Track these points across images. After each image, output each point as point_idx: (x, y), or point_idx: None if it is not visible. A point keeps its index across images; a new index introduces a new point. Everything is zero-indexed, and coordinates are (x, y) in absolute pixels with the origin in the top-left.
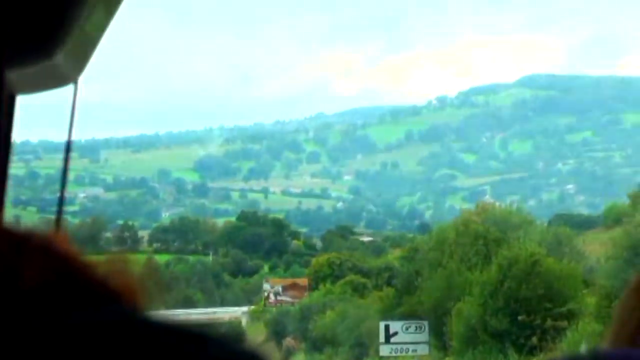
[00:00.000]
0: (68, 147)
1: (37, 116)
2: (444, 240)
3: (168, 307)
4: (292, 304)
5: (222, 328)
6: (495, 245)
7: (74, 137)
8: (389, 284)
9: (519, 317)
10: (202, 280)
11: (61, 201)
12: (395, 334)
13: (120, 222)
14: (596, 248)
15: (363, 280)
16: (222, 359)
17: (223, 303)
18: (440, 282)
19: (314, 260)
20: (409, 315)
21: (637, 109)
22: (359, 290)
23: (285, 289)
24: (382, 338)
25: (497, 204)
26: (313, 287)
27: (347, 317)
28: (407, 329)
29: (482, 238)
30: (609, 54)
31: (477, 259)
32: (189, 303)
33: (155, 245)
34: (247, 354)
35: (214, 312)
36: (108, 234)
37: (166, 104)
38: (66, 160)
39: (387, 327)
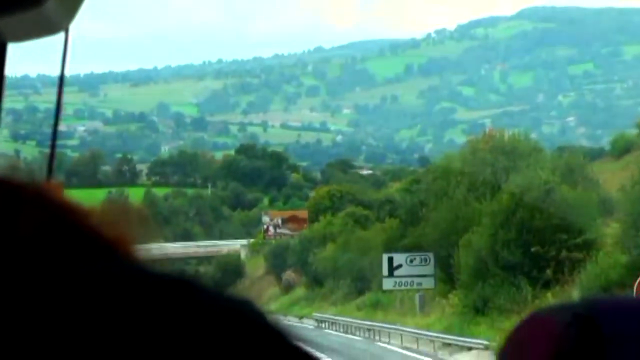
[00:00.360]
0: (60, 91)
1: (36, 51)
2: (450, 169)
3: (168, 240)
4: (292, 236)
5: (221, 261)
6: (505, 174)
7: (71, 72)
8: (390, 215)
9: (532, 249)
10: (201, 213)
11: (54, 141)
12: (400, 266)
13: (119, 155)
14: (608, 177)
15: (365, 211)
16: (213, 313)
17: (222, 236)
18: (446, 213)
19: (313, 192)
20: (412, 248)
21: (637, 41)
22: (360, 222)
23: (284, 221)
24: (385, 271)
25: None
26: (313, 219)
27: (348, 250)
28: (411, 261)
29: (490, 166)
30: None
31: (485, 188)
32: (187, 236)
33: (154, 178)
34: (238, 305)
35: (213, 245)
36: (107, 167)
37: (164, 40)
38: (58, 104)
39: (390, 260)
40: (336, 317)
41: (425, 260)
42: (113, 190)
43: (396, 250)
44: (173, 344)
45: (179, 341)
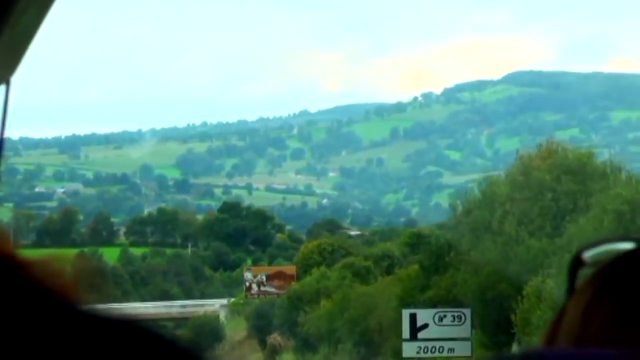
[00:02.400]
0: (1, 143)
1: (20, 113)
2: (493, 196)
3: (145, 301)
4: (278, 295)
5: (197, 323)
6: (569, 201)
7: (53, 134)
8: (388, 273)
9: None
10: (181, 273)
11: None
12: (425, 327)
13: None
14: None
15: (366, 263)
16: (152, 354)
17: (203, 297)
18: (489, 253)
19: (302, 247)
20: (439, 302)
21: (624, 106)
22: (361, 275)
23: (269, 278)
24: (405, 332)
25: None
26: (301, 277)
27: (348, 308)
28: (440, 319)
29: (551, 191)
30: (596, 53)
31: (543, 220)
32: (166, 297)
33: (132, 238)
34: (180, 350)
35: (188, 305)
36: (83, 229)
37: (149, 102)
38: None
39: (412, 318)
40: None
41: (460, 319)
42: (86, 249)
43: (416, 306)
44: None
45: None
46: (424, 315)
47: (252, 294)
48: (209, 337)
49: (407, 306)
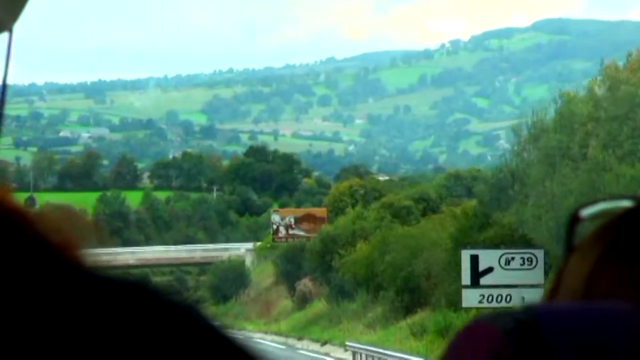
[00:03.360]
0: (3, 92)
1: (44, 59)
2: (572, 116)
3: (167, 244)
4: (308, 239)
5: (220, 268)
6: None
7: (79, 79)
8: (425, 215)
9: None
10: (205, 218)
11: None
12: (489, 270)
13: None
14: None
15: (407, 202)
16: (154, 318)
17: (228, 242)
18: (569, 183)
19: (332, 188)
20: (502, 242)
21: None
22: (401, 216)
23: (298, 220)
24: (466, 278)
25: None
26: (331, 220)
27: (390, 250)
28: (508, 262)
29: None
30: (622, 1)
31: (634, 142)
32: (189, 242)
33: (155, 181)
34: (181, 307)
35: (211, 249)
36: (106, 172)
37: (175, 49)
38: (1, 103)
39: (474, 260)
40: (386, 351)
41: (531, 261)
42: (108, 193)
43: (474, 247)
44: (111, 347)
45: (117, 345)
46: (487, 257)
47: (279, 238)
48: (234, 282)
49: (464, 247)
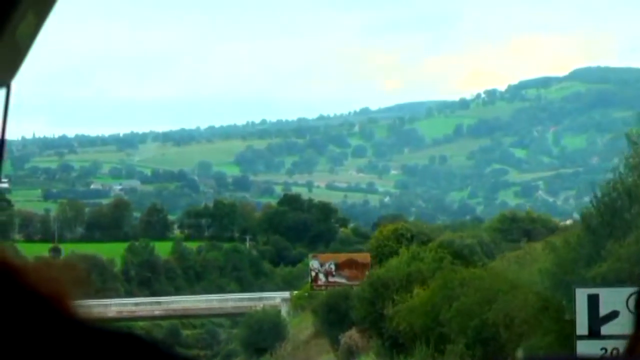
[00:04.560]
0: (1, 146)
1: (74, 111)
2: None
3: (196, 293)
4: (351, 287)
5: (254, 319)
6: None
7: (111, 132)
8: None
9: None
10: (238, 268)
11: None
12: (614, 315)
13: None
14: None
15: (469, 241)
16: None
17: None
18: None
19: (376, 232)
20: (616, 280)
21: None
22: (464, 257)
23: (339, 266)
24: (582, 325)
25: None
26: (375, 267)
27: (455, 295)
28: None
29: None
30: None
31: None
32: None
33: (186, 231)
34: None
35: (244, 299)
36: (136, 222)
37: (207, 100)
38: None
39: (593, 301)
40: None
41: None
42: (136, 243)
43: (586, 284)
44: None
45: None
46: (610, 298)
47: (318, 285)
48: (269, 335)
49: (578, 286)
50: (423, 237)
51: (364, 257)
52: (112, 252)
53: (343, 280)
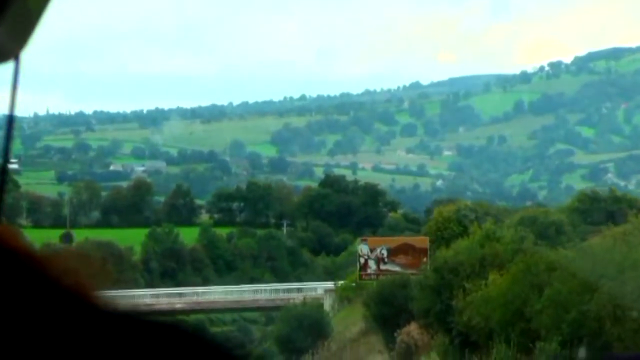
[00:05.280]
0: (10, 122)
1: (93, 87)
2: None
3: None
4: (407, 275)
5: (293, 313)
6: None
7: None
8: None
9: None
10: (274, 257)
11: (2, 184)
12: None
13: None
14: None
15: (557, 216)
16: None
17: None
18: None
19: (435, 212)
20: None
21: None
22: (548, 237)
23: (392, 252)
24: None
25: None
26: (434, 252)
27: (544, 282)
28: None
29: None
30: None
31: None
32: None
33: (216, 216)
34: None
35: (276, 291)
36: (158, 206)
37: (241, 75)
38: (8, 137)
39: None
40: None
41: None
42: (159, 229)
43: None
44: None
45: None
46: None
47: (367, 274)
48: (310, 332)
49: None
50: (489, 218)
51: (422, 241)
52: (131, 239)
53: (397, 269)
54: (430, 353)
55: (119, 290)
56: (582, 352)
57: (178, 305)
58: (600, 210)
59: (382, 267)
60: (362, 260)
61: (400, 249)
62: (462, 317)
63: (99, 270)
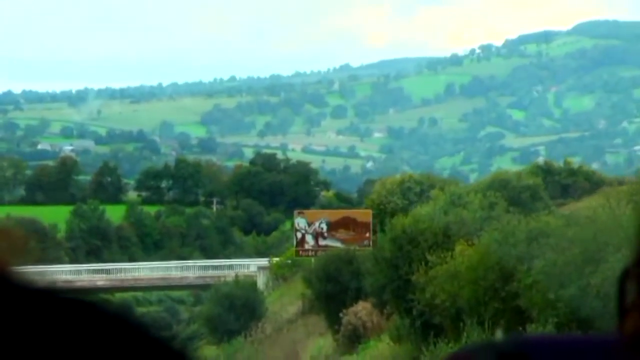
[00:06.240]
0: None
1: (23, 67)
2: None
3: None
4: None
5: (223, 292)
6: None
7: (62, 88)
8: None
9: None
10: (203, 236)
11: None
12: None
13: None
14: None
15: (529, 180)
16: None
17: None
18: None
19: (376, 184)
20: None
21: None
22: (523, 202)
23: (332, 226)
24: None
25: None
26: (377, 227)
27: (529, 254)
28: None
29: None
30: None
31: None
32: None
33: (143, 194)
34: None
35: (205, 267)
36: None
37: (170, 55)
38: None
39: None
40: None
41: None
42: (84, 206)
43: None
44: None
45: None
46: None
47: (305, 250)
48: (243, 312)
49: None
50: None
51: (365, 214)
52: (56, 216)
53: (337, 244)
54: (382, 336)
55: (40, 267)
56: (499, 333)
57: (100, 283)
58: (554, 183)
59: (321, 242)
60: (299, 235)
61: (340, 223)
62: (424, 294)
63: (19, 246)
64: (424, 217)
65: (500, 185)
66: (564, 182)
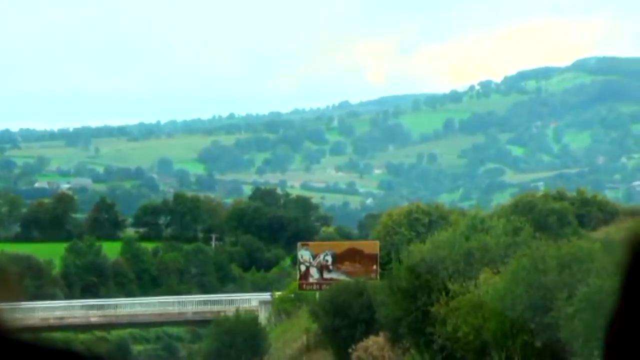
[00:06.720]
0: None
1: (21, 105)
2: None
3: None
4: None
5: (223, 327)
6: None
7: (60, 126)
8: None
9: None
10: (202, 273)
11: None
12: None
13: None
14: None
15: (556, 204)
16: None
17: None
18: None
19: (383, 216)
20: None
21: None
22: (550, 227)
23: (338, 258)
24: None
25: None
26: (383, 260)
27: (562, 279)
28: None
29: None
30: None
31: None
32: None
33: (141, 230)
34: None
35: (204, 302)
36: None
37: (168, 93)
38: None
39: None
40: None
41: None
42: (79, 242)
43: None
44: None
45: None
46: None
47: (309, 284)
48: (244, 348)
49: None
50: (444, 222)
51: (372, 245)
52: (51, 253)
53: (343, 277)
54: None
55: (35, 302)
56: None
57: (94, 319)
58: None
59: (326, 275)
60: (302, 268)
61: (347, 255)
62: (445, 327)
63: (8, 284)
64: (443, 244)
65: (525, 208)
66: (577, 212)
